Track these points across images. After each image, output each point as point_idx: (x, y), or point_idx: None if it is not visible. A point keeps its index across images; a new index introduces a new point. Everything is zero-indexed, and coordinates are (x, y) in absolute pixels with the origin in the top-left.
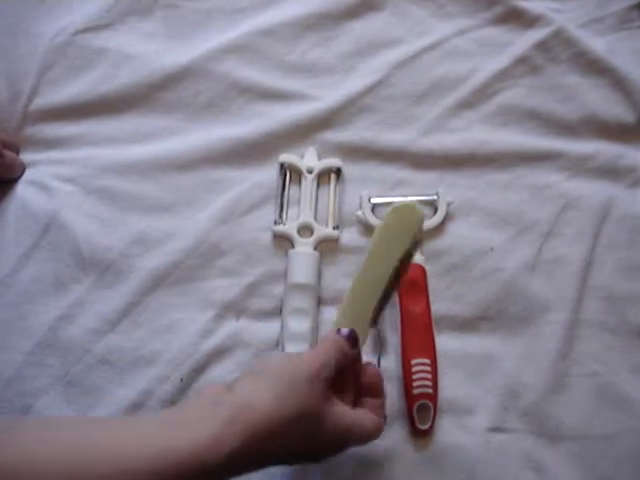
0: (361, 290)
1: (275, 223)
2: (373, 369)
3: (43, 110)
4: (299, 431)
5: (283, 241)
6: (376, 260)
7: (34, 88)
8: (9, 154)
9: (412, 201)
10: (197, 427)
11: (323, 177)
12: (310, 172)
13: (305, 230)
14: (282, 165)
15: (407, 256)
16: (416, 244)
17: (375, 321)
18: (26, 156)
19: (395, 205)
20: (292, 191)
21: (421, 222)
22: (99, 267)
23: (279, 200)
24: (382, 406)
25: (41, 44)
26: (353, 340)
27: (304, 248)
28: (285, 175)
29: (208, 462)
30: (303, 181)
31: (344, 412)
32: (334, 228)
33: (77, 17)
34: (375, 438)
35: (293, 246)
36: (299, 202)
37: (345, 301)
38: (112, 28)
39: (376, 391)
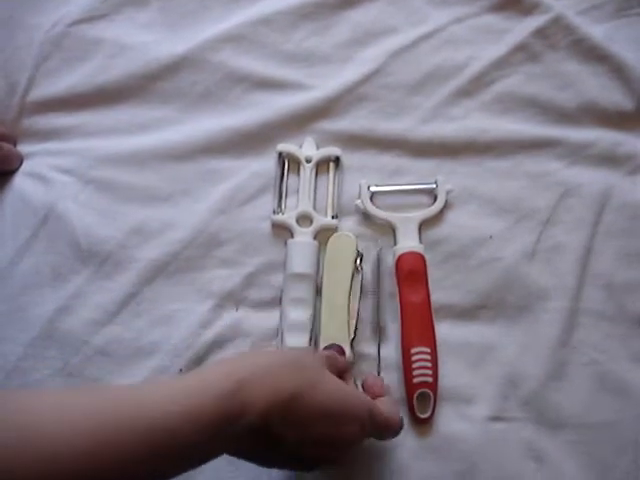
0: (330, 315)
1: (274, 213)
2: (373, 376)
3: (40, 102)
4: (297, 373)
5: (282, 231)
6: (331, 285)
7: (30, 80)
8: (6, 146)
9: (347, 233)
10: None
11: (322, 166)
12: (309, 161)
13: (304, 219)
14: (280, 154)
15: (353, 276)
16: (358, 263)
17: (355, 332)
18: (23, 148)
19: (333, 236)
20: (291, 181)
21: (356, 246)
22: (97, 258)
23: (277, 190)
24: (394, 403)
25: (37, 36)
26: (340, 352)
27: (303, 237)
28: (283, 165)
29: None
30: (302, 170)
31: (345, 384)
32: (333, 217)
33: (73, 8)
34: (395, 428)
35: (292, 235)
36: (298, 191)
37: (322, 326)
38: (108, 19)
39: (380, 394)
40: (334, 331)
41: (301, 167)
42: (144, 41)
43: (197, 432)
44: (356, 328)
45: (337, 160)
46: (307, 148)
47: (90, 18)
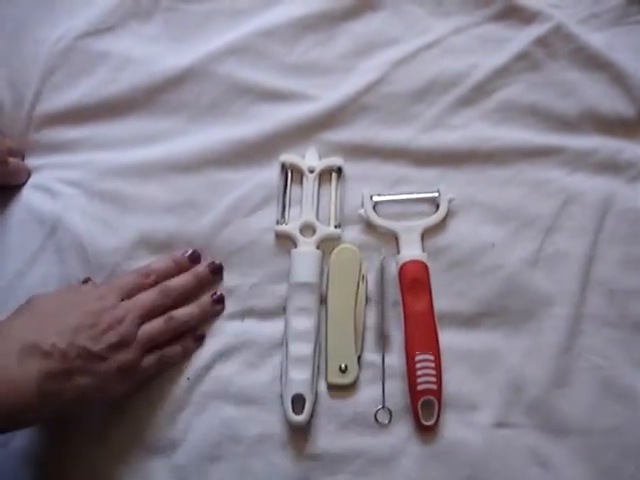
0: (336, 331)
1: (277, 223)
2: None
3: (46, 115)
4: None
5: (286, 241)
6: (337, 301)
7: (37, 93)
8: (14, 161)
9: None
10: None
11: (324, 176)
12: (311, 171)
13: (307, 229)
14: (283, 165)
15: (358, 289)
16: (363, 278)
17: (361, 348)
18: (31, 161)
19: (336, 249)
20: (294, 191)
21: (360, 258)
22: (104, 269)
23: (281, 200)
24: None
25: (43, 49)
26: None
27: (307, 247)
28: (286, 175)
29: None
30: (305, 181)
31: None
32: (336, 227)
33: (79, 21)
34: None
35: (296, 245)
36: (301, 202)
37: (329, 343)
38: (113, 32)
39: None
40: (341, 348)
41: (304, 177)
42: (149, 54)
43: None
44: (362, 345)
45: (339, 170)
46: (310, 158)
47: (96, 31)
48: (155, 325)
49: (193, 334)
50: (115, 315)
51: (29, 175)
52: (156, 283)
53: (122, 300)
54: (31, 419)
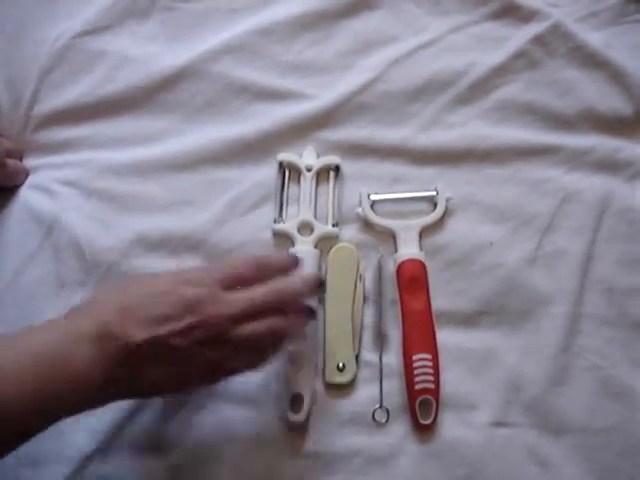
0: (334, 330)
1: (275, 222)
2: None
3: (44, 115)
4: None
5: (283, 239)
6: (334, 300)
7: (35, 93)
8: (12, 162)
9: (349, 244)
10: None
11: (322, 175)
12: (309, 170)
13: (305, 228)
14: (281, 164)
15: (356, 288)
16: (360, 277)
17: (359, 347)
18: (28, 161)
19: (334, 248)
20: (291, 190)
21: (358, 257)
22: (101, 268)
23: (278, 199)
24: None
25: (41, 49)
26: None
27: (304, 246)
28: (284, 174)
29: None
30: (302, 179)
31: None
32: (334, 225)
33: (76, 21)
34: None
35: (293, 244)
36: (299, 200)
37: (327, 342)
38: (111, 31)
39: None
40: (339, 347)
41: (301, 176)
42: (147, 53)
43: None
44: (360, 344)
45: (337, 169)
46: (307, 157)
47: (93, 31)
48: (255, 328)
49: (301, 307)
50: (214, 309)
51: (27, 175)
52: (262, 279)
53: (226, 289)
54: (101, 401)
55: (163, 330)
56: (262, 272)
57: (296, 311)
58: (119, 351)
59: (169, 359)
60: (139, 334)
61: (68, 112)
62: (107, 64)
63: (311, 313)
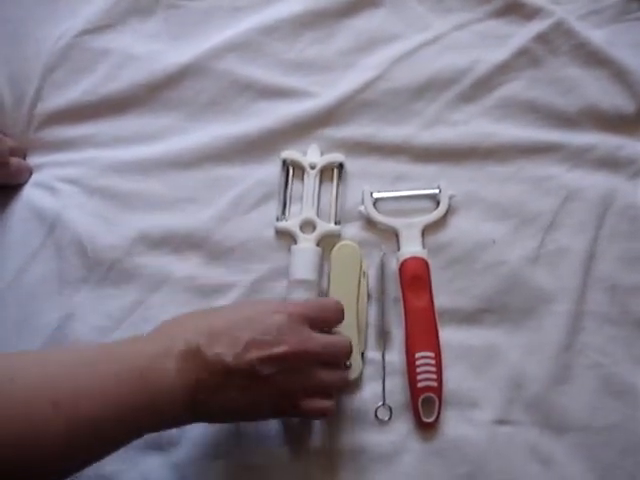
0: (340, 328)
1: (277, 219)
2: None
3: (47, 113)
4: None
5: (286, 237)
6: (338, 296)
7: (38, 91)
8: (16, 161)
9: (351, 242)
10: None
11: (326, 173)
12: (313, 168)
13: (307, 226)
14: (284, 161)
15: (359, 286)
16: (364, 274)
17: (364, 344)
18: (32, 159)
19: (337, 246)
20: (295, 187)
21: (360, 255)
22: (103, 266)
23: (282, 196)
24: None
25: (43, 47)
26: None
27: (306, 244)
28: (287, 171)
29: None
30: (306, 177)
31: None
32: (336, 223)
33: (79, 19)
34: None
35: (296, 242)
36: (302, 198)
37: None
38: (114, 29)
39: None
40: None
41: (305, 174)
42: (149, 51)
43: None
44: (366, 341)
45: (340, 166)
46: (311, 155)
47: (96, 29)
48: (331, 375)
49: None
50: (303, 343)
51: (30, 174)
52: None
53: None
54: (177, 422)
55: (254, 355)
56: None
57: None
58: (206, 371)
59: (249, 386)
60: (228, 356)
61: (71, 110)
62: (110, 62)
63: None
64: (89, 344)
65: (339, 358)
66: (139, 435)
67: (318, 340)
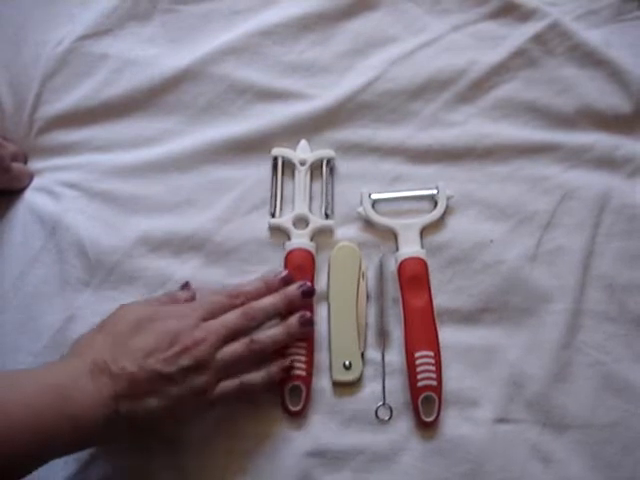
0: (339, 329)
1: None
2: None
3: (48, 118)
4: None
5: (280, 234)
6: (338, 297)
7: (37, 97)
8: (17, 166)
9: (350, 243)
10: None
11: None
12: (303, 164)
13: (300, 222)
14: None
15: (359, 286)
16: (363, 275)
17: (364, 344)
18: (33, 164)
19: (336, 247)
20: (287, 184)
21: (360, 256)
22: (104, 268)
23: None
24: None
25: (43, 52)
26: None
27: (300, 240)
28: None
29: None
30: (296, 173)
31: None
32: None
33: (77, 24)
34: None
35: (289, 238)
36: (293, 194)
37: (332, 341)
38: (112, 34)
39: None
40: (344, 345)
41: (296, 170)
42: (148, 55)
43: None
44: (365, 342)
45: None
46: (301, 151)
47: (94, 34)
48: (236, 348)
49: (280, 363)
50: (193, 337)
51: (32, 179)
52: (243, 305)
53: (205, 320)
54: (99, 439)
55: (152, 360)
56: (238, 298)
57: (297, 322)
58: (116, 385)
59: (162, 387)
60: (131, 366)
61: (71, 115)
62: (109, 67)
63: (305, 322)
64: (8, 371)
65: (236, 333)
66: (57, 456)
67: (208, 328)
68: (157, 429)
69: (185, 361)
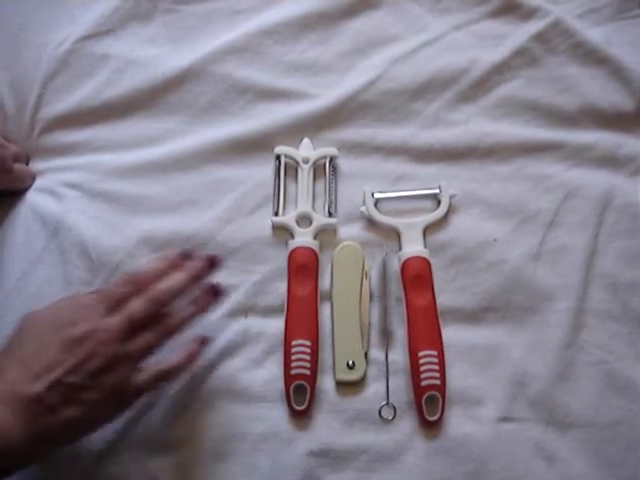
0: (342, 328)
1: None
2: None
3: (49, 119)
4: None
5: (283, 232)
6: (342, 296)
7: (39, 97)
8: (19, 167)
9: (353, 243)
10: None
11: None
12: (306, 162)
13: (303, 220)
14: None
15: (362, 286)
16: (366, 274)
17: (367, 344)
18: (35, 165)
19: (339, 247)
20: (290, 183)
21: (363, 256)
22: (107, 268)
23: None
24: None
25: (44, 54)
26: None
27: (303, 238)
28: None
29: None
30: (299, 171)
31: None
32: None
33: (79, 25)
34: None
35: (293, 237)
36: (297, 193)
37: (335, 340)
38: (113, 34)
39: None
40: (348, 345)
41: (299, 168)
42: (149, 55)
43: None
44: (369, 341)
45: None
46: (304, 149)
47: (96, 34)
48: (146, 338)
49: (197, 338)
50: (96, 339)
51: (34, 179)
52: (147, 289)
53: (109, 313)
54: (25, 461)
55: (56, 374)
56: (140, 283)
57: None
58: (29, 405)
59: (75, 397)
60: (37, 385)
61: (73, 116)
62: (110, 67)
63: (216, 292)
64: None
65: (145, 320)
66: None
67: (110, 324)
68: (80, 438)
69: (92, 364)
